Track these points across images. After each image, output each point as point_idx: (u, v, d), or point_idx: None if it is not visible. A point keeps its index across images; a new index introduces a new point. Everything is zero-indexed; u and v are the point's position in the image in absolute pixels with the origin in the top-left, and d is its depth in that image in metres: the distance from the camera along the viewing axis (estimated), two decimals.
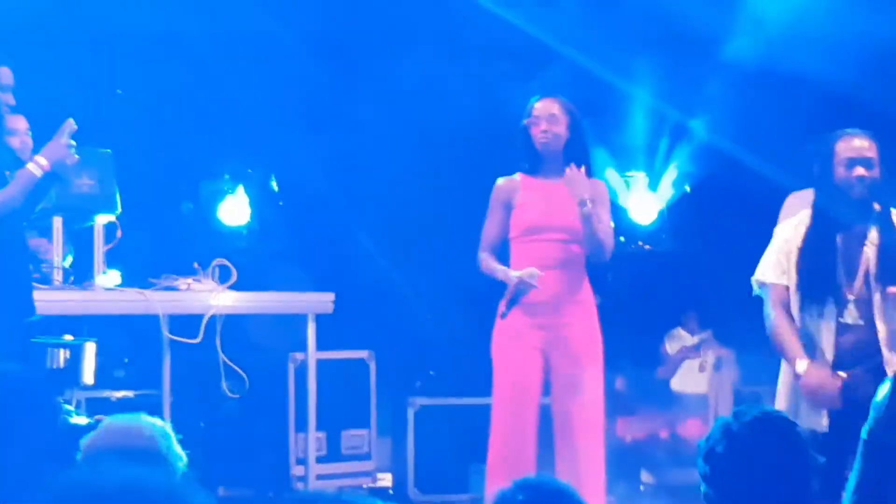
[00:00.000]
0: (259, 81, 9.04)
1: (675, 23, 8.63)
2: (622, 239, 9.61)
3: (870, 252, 5.27)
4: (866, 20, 8.17)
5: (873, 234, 5.30)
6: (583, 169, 6.22)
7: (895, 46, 8.10)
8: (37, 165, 5.80)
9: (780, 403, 5.33)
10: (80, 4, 8.32)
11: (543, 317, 6.27)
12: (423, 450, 8.44)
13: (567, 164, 6.33)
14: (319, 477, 7.79)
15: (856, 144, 5.33)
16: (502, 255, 6.41)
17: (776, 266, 5.42)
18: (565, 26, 8.95)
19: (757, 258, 7.77)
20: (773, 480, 3.26)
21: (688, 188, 10.05)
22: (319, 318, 7.61)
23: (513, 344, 6.29)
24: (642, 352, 9.48)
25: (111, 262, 7.17)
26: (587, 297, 6.37)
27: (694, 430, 8.94)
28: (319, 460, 7.86)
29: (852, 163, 5.30)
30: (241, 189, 9.48)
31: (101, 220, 7.08)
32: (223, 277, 7.25)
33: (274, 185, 9.91)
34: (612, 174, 9.61)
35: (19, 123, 6.56)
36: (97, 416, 5.79)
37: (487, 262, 6.39)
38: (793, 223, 5.49)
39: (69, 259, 7.07)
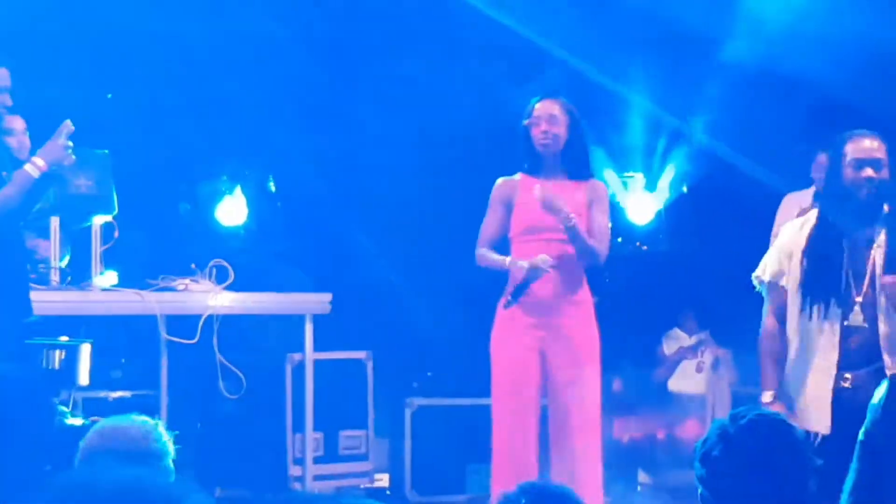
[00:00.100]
0: (257, 82, 9.04)
1: (673, 24, 8.63)
2: (619, 240, 9.61)
3: (877, 254, 5.23)
4: (864, 21, 8.17)
5: (881, 237, 5.27)
6: (547, 188, 6.22)
7: (893, 48, 8.10)
8: (34, 166, 5.80)
9: (786, 404, 5.30)
10: (77, 5, 8.31)
11: (541, 316, 6.29)
12: (420, 450, 8.43)
13: (567, 164, 6.38)
14: (317, 477, 7.80)
15: (865, 145, 5.28)
16: (500, 253, 6.42)
17: (775, 266, 5.41)
18: (563, 27, 8.94)
19: (754, 258, 7.76)
20: (770, 482, 3.26)
21: (685, 189, 10.04)
22: (317, 319, 7.61)
23: (511, 343, 6.31)
24: (640, 352, 9.47)
25: (108, 262, 7.16)
26: (585, 297, 6.39)
27: (691, 430, 8.94)
28: (317, 461, 7.86)
29: (861, 164, 5.25)
30: (238, 189, 9.46)
31: (99, 220, 7.08)
32: (220, 278, 7.25)
33: (271, 185, 9.90)
34: (610, 175, 9.61)
35: (16, 123, 6.57)
36: (93, 418, 5.79)
37: (487, 254, 6.40)
38: (798, 223, 5.46)
39: (66, 259, 7.07)
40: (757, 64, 8.69)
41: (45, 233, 6.85)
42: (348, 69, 9.38)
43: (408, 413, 8.47)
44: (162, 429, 3.93)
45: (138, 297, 6.94)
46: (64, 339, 6.32)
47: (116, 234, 7.14)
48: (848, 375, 5.16)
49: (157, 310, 7.00)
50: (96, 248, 7.07)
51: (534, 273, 6.17)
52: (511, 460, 6.26)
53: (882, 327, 5.19)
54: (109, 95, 8.42)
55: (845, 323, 5.21)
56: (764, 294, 5.47)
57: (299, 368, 7.80)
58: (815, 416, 5.18)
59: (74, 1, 8.34)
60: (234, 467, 7.97)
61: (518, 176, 6.45)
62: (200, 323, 7.04)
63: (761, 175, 8.94)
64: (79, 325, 6.95)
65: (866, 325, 5.20)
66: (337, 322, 7.83)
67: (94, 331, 6.96)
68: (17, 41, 7.02)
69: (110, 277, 7.13)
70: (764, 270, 5.45)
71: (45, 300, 6.39)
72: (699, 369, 9.43)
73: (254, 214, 9.54)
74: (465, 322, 8.20)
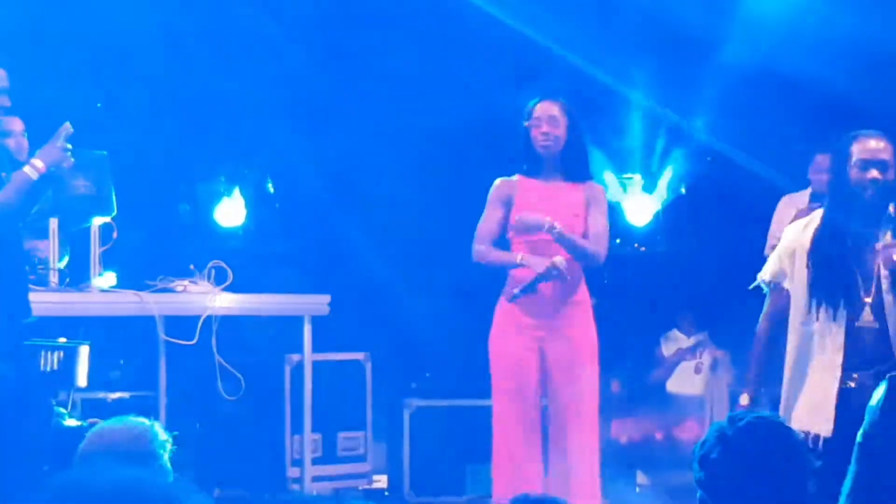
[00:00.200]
0: (255, 83, 9.04)
1: (671, 25, 8.63)
2: (618, 241, 9.61)
3: (884, 255, 5.20)
4: (862, 22, 8.17)
5: (888, 237, 5.25)
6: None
7: (891, 49, 8.10)
8: (33, 168, 5.80)
9: (786, 405, 5.29)
10: (75, 6, 8.32)
11: (540, 316, 6.30)
12: (418, 451, 8.43)
13: (566, 166, 6.40)
14: (315, 478, 7.80)
15: (871, 146, 5.23)
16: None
17: (776, 266, 5.39)
18: (562, 28, 8.94)
19: (753, 260, 7.77)
20: (769, 484, 3.26)
21: (683, 190, 10.04)
22: (315, 320, 7.61)
23: (510, 344, 6.33)
24: (638, 353, 9.47)
25: (107, 263, 7.16)
26: (584, 298, 6.40)
27: (690, 431, 8.93)
28: (315, 462, 7.85)
29: (866, 165, 5.20)
30: (237, 191, 9.47)
31: (97, 221, 7.08)
32: (219, 279, 7.24)
33: (270, 186, 9.91)
34: (608, 176, 9.61)
35: (15, 125, 6.57)
36: (91, 419, 5.79)
37: (491, 251, 6.39)
38: (801, 223, 5.43)
39: (65, 260, 7.07)
40: (756, 65, 8.69)
41: (43, 234, 6.85)
42: (346, 70, 9.38)
43: (406, 414, 8.47)
44: (160, 429, 3.94)
45: (137, 298, 6.94)
46: (62, 340, 6.33)
47: (115, 235, 7.14)
48: (855, 376, 5.12)
49: (156, 311, 7.00)
50: (95, 249, 7.07)
51: (550, 272, 6.18)
52: (511, 460, 6.27)
53: (893, 327, 5.16)
54: (99, 104, 8.40)
55: (857, 324, 5.17)
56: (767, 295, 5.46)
57: (298, 369, 7.80)
58: (818, 417, 5.14)
59: (73, 2, 8.34)
60: (233, 468, 7.97)
61: (516, 177, 6.46)
62: (199, 324, 7.04)
63: (760, 176, 8.94)
64: (77, 326, 6.95)
65: (877, 325, 5.16)
66: (335, 323, 7.83)
67: (93, 332, 6.97)
68: (16, 42, 7.02)
69: (109, 278, 7.13)
70: (765, 272, 5.44)
71: (44, 301, 6.40)
72: (698, 370, 9.43)
73: (252, 216, 9.55)
74: (464, 323, 8.21)
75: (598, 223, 6.40)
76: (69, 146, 5.86)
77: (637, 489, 8.80)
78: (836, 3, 8.30)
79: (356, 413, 8.32)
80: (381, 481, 8.61)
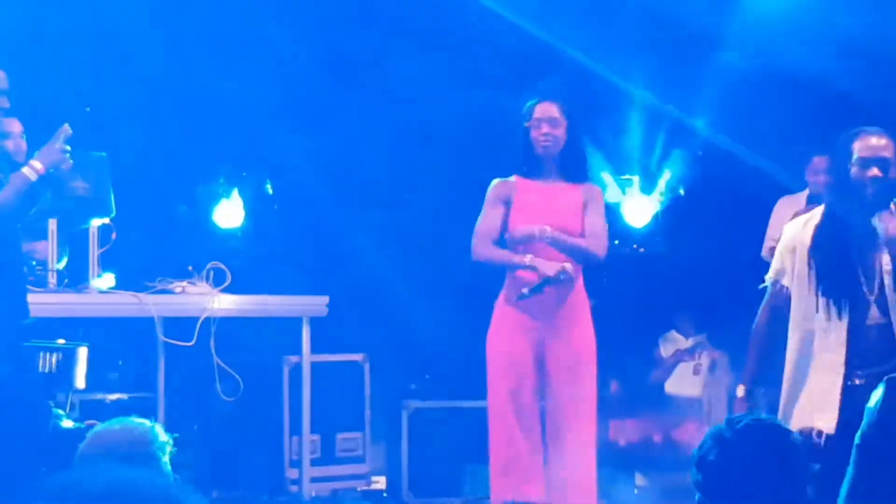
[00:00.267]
0: (254, 84, 9.03)
1: (670, 25, 8.64)
2: (616, 242, 9.61)
3: (885, 255, 5.17)
4: (863, 21, 8.17)
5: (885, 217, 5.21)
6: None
7: (892, 47, 8.10)
8: (32, 169, 5.81)
9: (787, 402, 5.28)
10: (74, 7, 8.31)
11: (538, 317, 6.30)
12: (417, 453, 8.44)
13: (564, 166, 6.41)
14: (313, 480, 7.79)
15: (872, 143, 5.19)
16: None
17: (777, 264, 5.38)
18: (561, 27, 8.94)
19: (752, 261, 7.77)
20: (766, 487, 3.26)
21: (682, 191, 10.04)
22: (314, 321, 7.60)
23: (507, 344, 6.33)
24: (637, 355, 9.48)
25: (106, 264, 7.16)
26: (582, 298, 6.41)
27: (688, 433, 8.93)
28: (314, 463, 7.85)
29: (867, 163, 5.17)
30: (235, 192, 9.47)
31: (96, 222, 7.08)
32: (218, 280, 7.24)
33: (269, 187, 9.91)
34: (607, 177, 9.61)
35: (13, 126, 6.57)
36: (88, 421, 5.79)
37: (495, 250, 6.38)
38: (801, 220, 5.40)
39: (64, 262, 7.06)
40: (754, 65, 8.70)
41: (42, 235, 6.85)
42: (345, 71, 9.38)
43: (404, 415, 8.48)
44: (161, 431, 3.94)
45: (135, 300, 6.94)
46: (61, 342, 6.33)
47: (114, 236, 7.14)
48: (861, 374, 5.10)
49: (155, 312, 6.99)
50: (94, 250, 7.07)
51: (559, 276, 6.20)
52: (508, 461, 6.27)
53: None
54: (88, 108, 8.40)
55: (866, 322, 5.15)
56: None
57: (296, 371, 7.80)
58: (822, 413, 5.11)
59: (72, 3, 8.34)
60: (231, 469, 7.98)
61: (513, 178, 6.47)
62: (198, 325, 7.03)
63: (759, 177, 8.94)
64: (76, 328, 6.95)
65: (883, 322, 5.13)
66: (334, 324, 7.83)
67: (92, 333, 6.97)
68: (15, 44, 7.02)
69: (108, 280, 7.13)
70: (770, 271, 5.43)
71: (43, 302, 6.40)
72: (696, 371, 9.43)
73: (251, 217, 9.54)
74: (462, 324, 8.21)
75: (596, 222, 6.41)
76: (68, 147, 5.87)
77: (635, 490, 8.79)
78: (837, 1, 8.30)
79: (354, 414, 8.33)
80: (379, 482, 8.62)
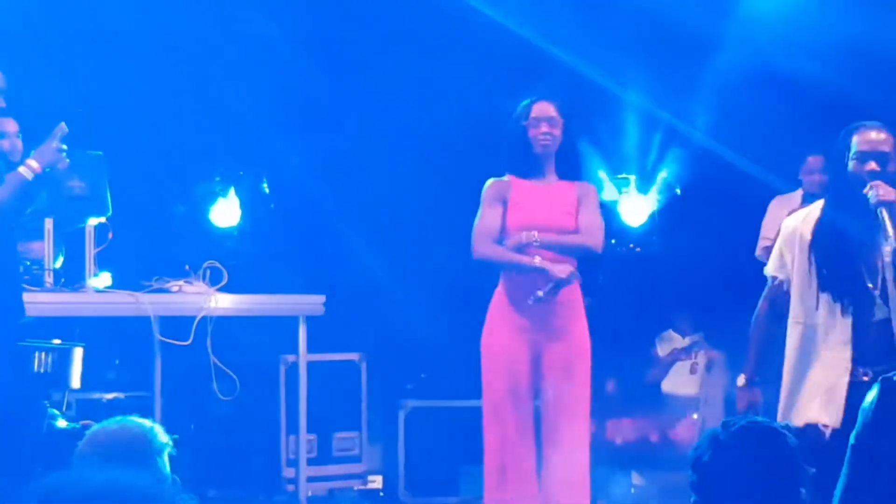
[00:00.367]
0: (251, 84, 9.04)
1: (667, 26, 8.63)
2: (613, 241, 9.62)
3: (887, 247, 5.12)
4: (859, 23, 8.18)
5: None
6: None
7: (886, 49, 8.10)
8: (28, 168, 5.81)
9: (788, 396, 5.25)
10: (71, 7, 8.31)
11: (533, 317, 6.30)
12: (413, 452, 8.43)
13: (559, 165, 6.42)
14: (310, 479, 7.80)
15: (871, 137, 5.19)
16: None
17: (777, 259, 5.37)
18: (557, 29, 8.94)
19: (748, 260, 7.76)
20: (760, 489, 3.26)
21: (679, 191, 10.05)
22: (310, 321, 7.61)
23: (503, 343, 6.33)
24: (633, 354, 9.48)
25: (102, 264, 7.17)
26: (576, 297, 6.41)
27: (685, 432, 8.94)
28: (310, 462, 7.86)
29: (865, 157, 5.16)
30: (232, 191, 9.47)
31: (93, 222, 7.08)
32: (214, 279, 7.25)
33: (265, 187, 9.91)
34: (603, 176, 9.62)
35: (9, 126, 6.57)
36: (84, 421, 5.79)
37: (502, 251, 6.37)
38: (801, 214, 5.40)
39: (60, 261, 7.07)
40: (750, 66, 8.70)
41: (38, 235, 6.85)
42: (341, 71, 9.38)
43: (401, 415, 8.47)
44: (160, 431, 3.93)
45: (132, 299, 6.95)
46: (56, 341, 6.33)
47: (110, 235, 7.14)
48: (867, 370, 5.07)
49: (151, 311, 7.00)
50: (90, 249, 7.07)
51: (571, 278, 6.23)
52: (503, 461, 6.28)
53: None
54: (81, 108, 8.40)
55: (872, 319, 5.13)
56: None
57: (293, 370, 7.80)
58: (828, 408, 5.09)
59: (69, 2, 8.34)
60: (228, 468, 7.98)
61: (507, 177, 6.47)
62: (194, 324, 7.04)
63: (756, 177, 8.94)
64: (73, 327, 6.95)
65: (889, 316, 5.11)
66: (331, 324, 7.83)
67: (88, 332, 6.97)
68: (11, 43, 7.02)
69: (104, 279, 7.13)
70: (769, 266, 5.42)
71: (39, 301, 6.40)
72: (693, 371, 9.43)
73: (248, 216, 9.54)
74: (459, 324, 8.20)
75: (591, 218, 6.42)
76: (64, 147, 5.88)
77: (632, 489, 8.80)
78: (832, 3, 8.30)
79: (351, 413, 8.33)
80: (376, 482, 8.62)
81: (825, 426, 5.06)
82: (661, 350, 9.60)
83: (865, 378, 5.04)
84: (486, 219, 6.42)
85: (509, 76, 8.72)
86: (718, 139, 9.39)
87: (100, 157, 7.06)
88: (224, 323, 7.26)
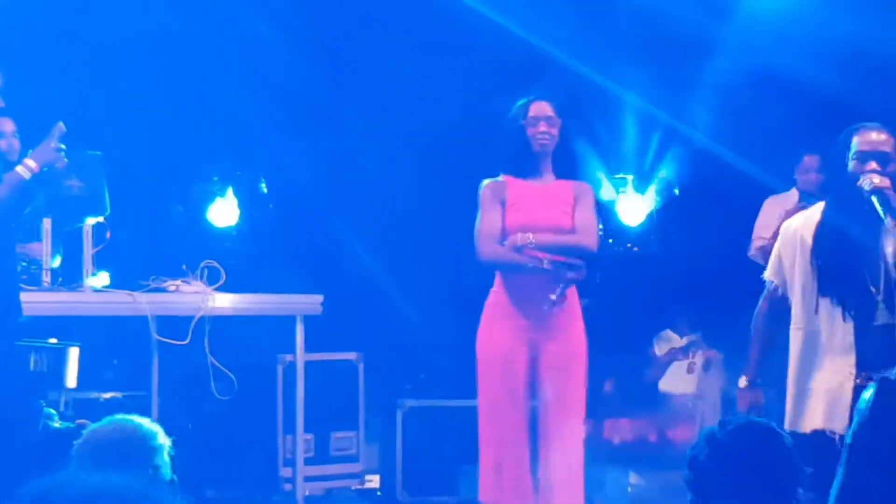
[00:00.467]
0: (248, 84, 9.04)
1: (665, 26, 8.64)
2: (611, 241, 9.62)
3: (889, 248, 5.12)
4: (858, 24, 8.18)
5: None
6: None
7: (886, 49, 8.11)
8: (26, 168, 5.81)
9: (795, 404, 5.24)
10: (69, 6, 8.31)
11: (529, 316, 6.30)
12: (411, 452, 8.42)
13: (556, 164, 6.43)
14: (307, 479, 7.79)
15: (872, 138, 5.19)
16: None
17: (776, 262, 5.36)
18: (555, 30, 8.95)
19: (746, 260, 7.76)
20: (756, 488, 3.26)
21: (676, 191, 10.05)
22: (308, 320, 7.60)
23: (499, 343, 6.33)
24: (631, 353, 9.49)
25: (100, 263, 7.16)
26: (572, 298, 6.40)
27: (682, 431, 8.95)
28: (307, 462, 7.85)
29: (866, 157, 5.15)
30: (230, 191, 9.47)
31: (91, 221, 7.08)
32: (212, 279, 7.24)
33: (263, 186, 9.91)
34: (601, 176, 9.62)
35: (6, 126, 6.58)
36: (80, 420, 5.79)
37: (511, 254, 6.35)
38: (802, 216, 5.38)
39: (58, 260, 7.07)
40: (750, 66, 8.70)
41: (36, 235, 6.85)
42: (339, 71, 9.38)
43: (399, 414, 8.47)
44: (159, 431, 3.93)
45: (130, 298, 6.94)
46: (53, 341, 6.33)
47: (108, 235, 7.14)
48: (871, 376, 5.03)
49: (149, 311, 6.99)
50: (88, 249, 7.07)
51: (578, 275, 6.25)
52: (497, 459, 6.28)
53: None
54: (78, 108, 8.41)
55: (874, 323, 5.12)
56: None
57: (290, 369, 7.80)
58: (834, 416, 5.07)
59: (66, 2, 8.34)
60: (225, 468, 7.96)
61: (502, 177, 6.47)
62: (192, 324, 7.03)
63: (753, 177, 8.95)
64: (70, 326, 6.95)
65: (892, 320, 5.09)
66: (328, 323, 7.82)
67: (86, 332, 6.96)
68: (8, 42, 7.02)
69: (102, 278, 7.13)
70: (768, 270, 5.41)
71: (37, 301, 6.40)
72: (690, 370, 9.45)
73: (245, 216, 9.55)
74: (457, 323, 8.20)
75: (586, 217, 6.42)
76: (62, 146, 5.87)
77: (629, 489, 8.80)
78: (831, 4, 8.30)
79: (349, 413, 8.32)
80: (373, 481, 8.61)
81: (832, 433, 5.04)
82: (659, 350, 9.61)
83: (871, 383, 5.01)
84: (488, 220, 6.41)
85: (508, 76, 8.73)
86: (717, 139, 9.39)
87: (98, 156, 7.06)
88: (222, 322, 7.26)
